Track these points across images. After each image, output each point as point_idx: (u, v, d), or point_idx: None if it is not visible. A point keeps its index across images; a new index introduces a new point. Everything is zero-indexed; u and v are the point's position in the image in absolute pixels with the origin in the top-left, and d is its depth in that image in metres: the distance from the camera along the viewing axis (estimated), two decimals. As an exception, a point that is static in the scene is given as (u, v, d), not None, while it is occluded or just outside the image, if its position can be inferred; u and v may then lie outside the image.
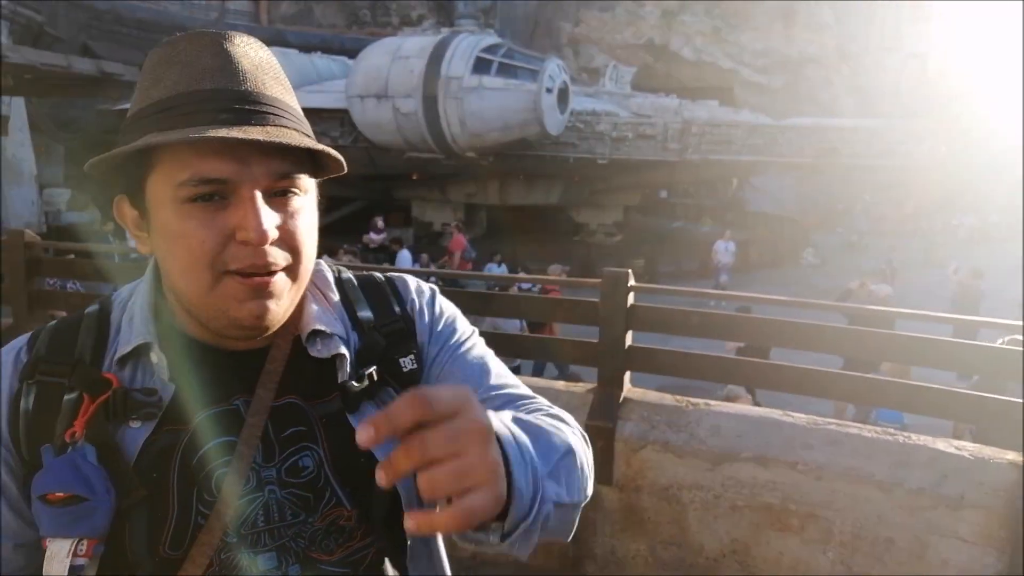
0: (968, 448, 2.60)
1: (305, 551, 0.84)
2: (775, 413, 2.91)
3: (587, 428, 2.91)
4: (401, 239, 16.34)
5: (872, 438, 2.68)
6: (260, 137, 0.74)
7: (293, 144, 0.76)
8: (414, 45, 18.37)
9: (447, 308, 0.97)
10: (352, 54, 20.24)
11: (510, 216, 20.57)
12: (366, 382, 0.86)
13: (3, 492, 0.81)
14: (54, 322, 0.89)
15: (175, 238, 0.77)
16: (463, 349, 0.94)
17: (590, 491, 0.83)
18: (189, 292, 0.79)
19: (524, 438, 0.69)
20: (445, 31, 20.10)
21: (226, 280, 0.77)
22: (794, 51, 28.90)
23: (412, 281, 0.97)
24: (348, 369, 0.86)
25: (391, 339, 0.91)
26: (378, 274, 0.99)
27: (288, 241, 0.79)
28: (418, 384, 0.90)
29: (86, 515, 0.76)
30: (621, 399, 3.01)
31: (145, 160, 0.78)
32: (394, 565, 0.90)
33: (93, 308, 0.89)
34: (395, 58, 17.82)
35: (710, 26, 29.19)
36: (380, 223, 18.55)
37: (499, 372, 0.94)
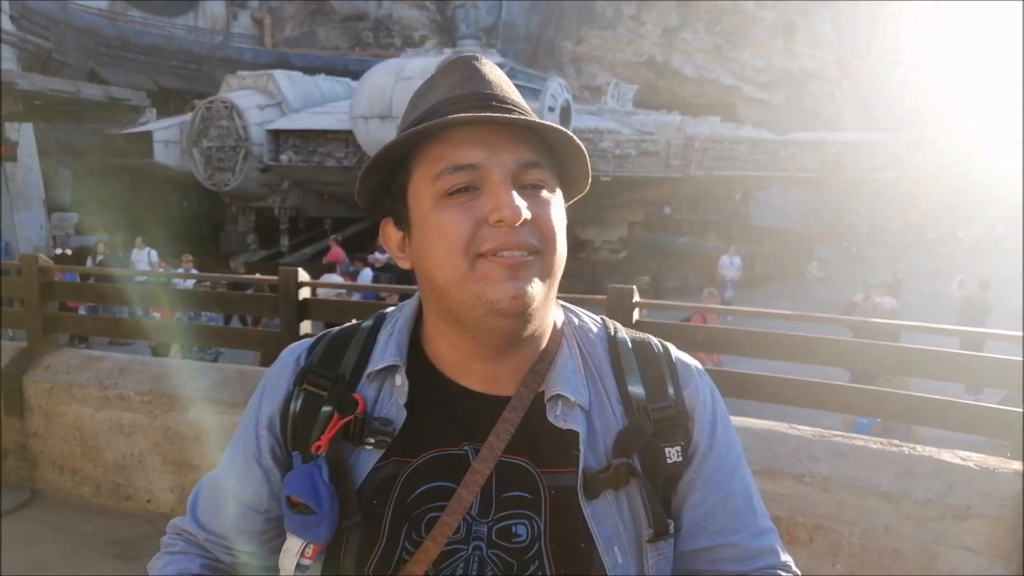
0: (973, 458, 2.60)
1: None
2: (781, 426, 2.91)
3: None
4: (367, 258, 16.18)
5: (878, 449, 2.68)
6: (500, 115, 0.76)
7: (539, 125, 0.77)
8: (417, 66, 18.50)
9: (722, 408, 0.91)
10: (355, 75, 20.37)
11: (515, 234, 20.53)
12: (611, 471, 0.81)
13: (269, 474, 0.90)
14: (336, 329, 0.94)
15: (434, 232, 0.79)
16: (735, 470, 0.89)
17: None
18: (447, 283, 0.79)
19: None
20: (447, 51, 20.25)
21: (480, 263, 0.77)
22: (795, 67, 29.03)
23: (693, 363, 0.92)
24: (583, 449, 0.81)
25: (660, 425, 0.85)
26: (656, 342, 0.92)
27: (540, 226, 0.79)
28: (679, 478, 0.86)
29: (313, 525, 0.81)
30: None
31: (405, 168, 0.82)
32: None
33: (368, 322, 0.94)
34: (398, 79, 17.91)
35: (711, 43, 29.36)
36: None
37: (763, 509, 0.88)
